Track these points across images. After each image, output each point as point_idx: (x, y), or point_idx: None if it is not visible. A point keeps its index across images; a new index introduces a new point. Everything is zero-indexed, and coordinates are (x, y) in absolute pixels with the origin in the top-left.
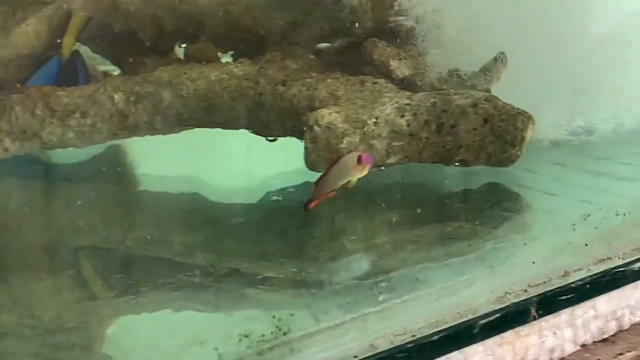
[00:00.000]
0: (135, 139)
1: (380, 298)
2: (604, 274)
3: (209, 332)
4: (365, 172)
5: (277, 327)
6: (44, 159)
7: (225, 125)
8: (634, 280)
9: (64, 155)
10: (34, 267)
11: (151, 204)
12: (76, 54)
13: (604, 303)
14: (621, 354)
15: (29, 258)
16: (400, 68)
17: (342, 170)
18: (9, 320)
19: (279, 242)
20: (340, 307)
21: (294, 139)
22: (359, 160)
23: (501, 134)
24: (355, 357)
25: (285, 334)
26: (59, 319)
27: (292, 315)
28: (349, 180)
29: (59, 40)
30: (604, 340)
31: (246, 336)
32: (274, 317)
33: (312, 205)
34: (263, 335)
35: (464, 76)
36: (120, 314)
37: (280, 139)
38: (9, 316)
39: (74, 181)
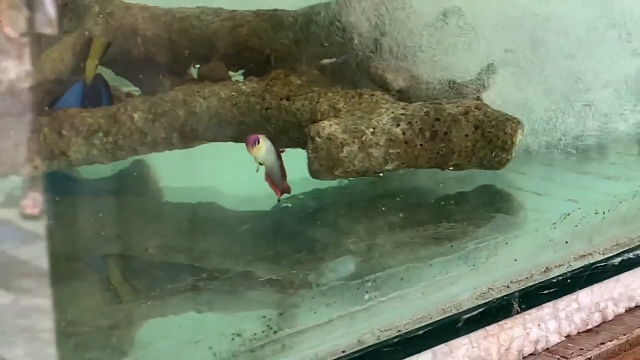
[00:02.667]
0: (157, 153)
1: (367, 297)
2: (584, 268)
3: (204, 332)
4: (258, 151)
5: (268, 326)
6: (75, 175)
7: (236, 139)
8: (615, 274)
9: (92, 171)
10: (65, 273)
11: (172, 213)
12: (99, 77)
13: (586, 296)
14: (603, 343)
15: (61, 265)
16: (396, 80)
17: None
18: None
19: (285, 246)
20: (328, 306)
21: (300, 149)
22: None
23: (491, 139)
24: (343, 352)
25: (275, 332)
26: (91, 321)
27: (281, 314)
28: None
29: (82, 65)
30: (588, 330)
31: (239, 335)
32: (264, 316)
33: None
34: (255, 334)
35: (455, 85)
36: (149, 315)
37: (287, 150)
38: (45, 317)
39: (101, 195)
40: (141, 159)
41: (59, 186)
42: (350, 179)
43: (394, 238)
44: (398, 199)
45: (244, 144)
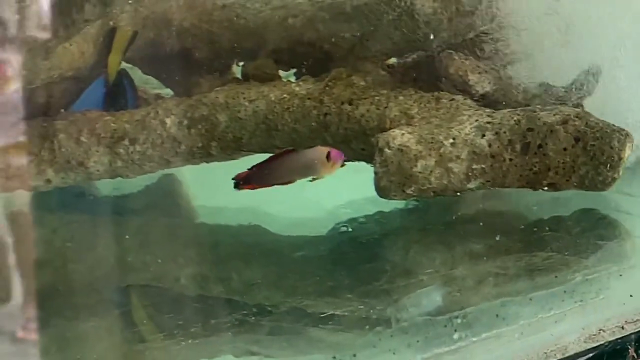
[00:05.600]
0: (190, 167)
1: (456, 336)
2: None
3: None
4: (333, 172)
5: None
6: (92, 192)
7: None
8: None
9: (113, 187)
10: (81, 307)
11: (208, 237)
12: (124, 74)
13: None
14: None
15: (76, 297)
16: (480, 83)
17: (307, 165)
18: None
19: (346, 276)
20: (409, 346)
21: (364, 163)
22: (328, 156)
23: (595, 153)
24: None
25: None
26: None
27: (354, 355)
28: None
29: (105, 60)
30: None
31: None
32: (334, 358)
33: (248, 187)
34: None
35: (552, 90)
36: (171, 358)
37: (348, 163)
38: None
39: (124, 215)
40: (172, 173)
41: (74, 204)
42: (422, 199)
43: (479, 269)
44: (481, 223)
45: None
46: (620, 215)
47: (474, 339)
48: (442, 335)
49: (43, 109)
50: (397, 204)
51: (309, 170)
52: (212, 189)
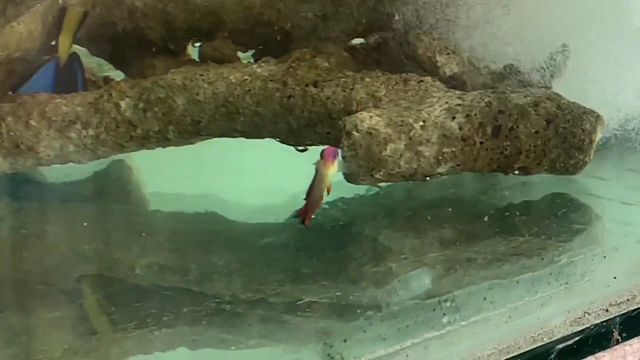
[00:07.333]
0: (142, 152)
1: (445, 320)
2: None
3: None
4: (334, 166)
5: (329, 355)
6: (37, 178)
7: (248, 134)
8: None
9: (60, 173)
10: (31, 299)
11: (163, 225)
12: (74, 56)
13: None
14: None
15: (26, 288)
16: (448, 64)
17: (320, 174)
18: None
19: (316, 263)
20: (400, 331)
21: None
22: (322, 156)
23: (567, 136)
24: None
25: None
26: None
27: (345, 341)
28: (327, 187)
29: (53, 43)
30: None
31: None
32: (325, 344)
33: (307, 219)
34: None
35: (521, 72)
36: (130, 351)
37: (311, 148)
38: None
39: (74, 201)
40: (122, 159)
41: (19, 191)
42: (382, 185)
43: (456, 254)
44: (449, 209)
45: (254, 141)
46: (590, 199)
47: (463, 323)
48: (431, 319)
49: None
50: (358, 189)
51: (318, 177)
52: (163, 176)
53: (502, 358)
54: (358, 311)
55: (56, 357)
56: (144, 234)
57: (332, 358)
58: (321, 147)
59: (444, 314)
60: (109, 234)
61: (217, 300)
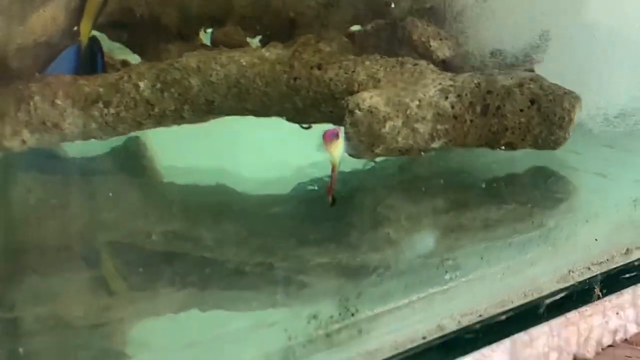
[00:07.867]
0: (157, 130)
1: (447, 277)
2: None
3: (275, 315)
4: (338, 146)
5: (345, 307)
6: (60, 153)
7: (257, 113)
8: None
9: (80, 149)
10: (55, 264)
11: (177, 196)
12: (95, 40)
13: None
14: None
15: (51, 254)
16: (441, 49)
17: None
18: (29, 318)
19: (322, 231)
20: (407, 287)
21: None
22: (325, 138)
23: (548, 115)
24: (424, 338)
25: (353, 314)
26: (82, 318)
27: (359, 295)
28: (333, 164)
29: (75, 28)
30: None
31: (314, 317)
32: (340, 299)
33: (330, 193)
34: (331, 317)
35: (506, 56)
36: (145, 311)
37: (315, 126)
38: (29, 313)
39: (94, 175)
40: (137, 135)
41: (44, 165)
42: (377, 160)
43: (454, 220)
44: (442, 181)
45: (260, 120)
46: (568, 171)
47: (463, 279)
48: (434, 276)
49: (18, 72)
50: (356, 164)
51: (331, 158)
52: (176, 151)
53: (496, 311)
54: (368, 270)
55: (78, 315)
56: (159, 205)
57: (348, 310)
58: (324, 125)
59: (446, 272)
60: (127, 204)
61: (229, 265)
